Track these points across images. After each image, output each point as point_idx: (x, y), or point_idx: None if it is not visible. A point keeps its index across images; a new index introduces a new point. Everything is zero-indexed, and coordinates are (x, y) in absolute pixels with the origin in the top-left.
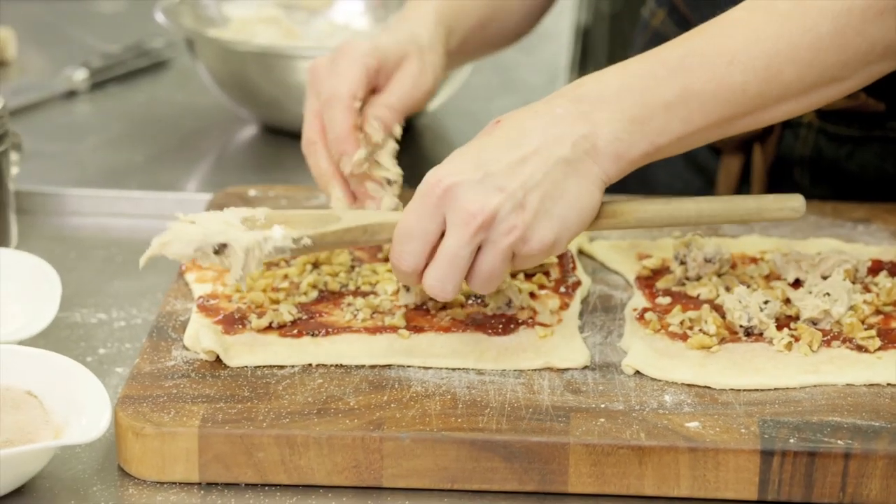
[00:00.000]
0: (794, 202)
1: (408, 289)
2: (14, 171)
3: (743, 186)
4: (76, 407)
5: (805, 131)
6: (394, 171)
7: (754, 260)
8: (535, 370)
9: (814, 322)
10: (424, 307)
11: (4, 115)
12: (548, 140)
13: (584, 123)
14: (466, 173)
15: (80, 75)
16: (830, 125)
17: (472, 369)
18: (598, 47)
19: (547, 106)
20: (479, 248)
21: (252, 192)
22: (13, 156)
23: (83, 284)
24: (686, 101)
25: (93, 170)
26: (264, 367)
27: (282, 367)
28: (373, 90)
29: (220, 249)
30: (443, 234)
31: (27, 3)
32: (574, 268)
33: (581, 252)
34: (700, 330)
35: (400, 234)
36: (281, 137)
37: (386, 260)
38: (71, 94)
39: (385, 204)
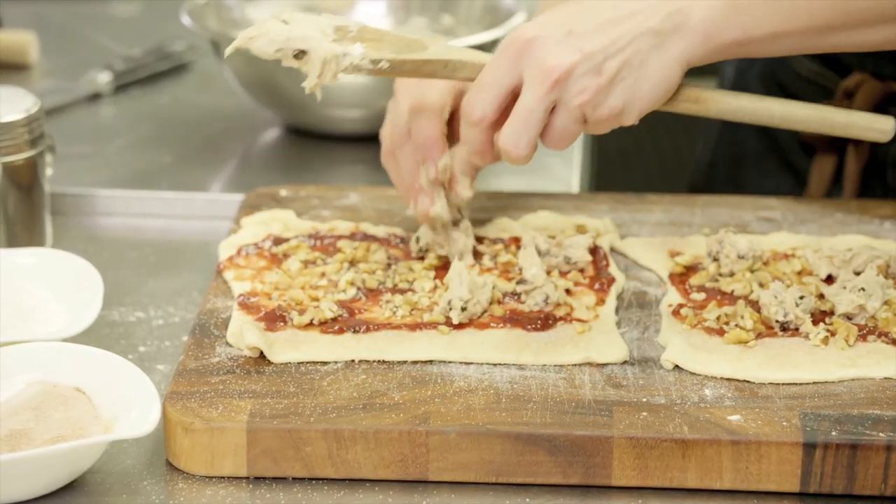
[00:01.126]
0: (883, 124)
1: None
2: (48, 172)
3: (835, 188)
4: (124, 403)
5: None
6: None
7: (785, 256)
8: (576, 365)
9: (849, 317)
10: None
11: (40, 116)
12: (641, 7)
13: None
14: (550, 29)
15: (104, 78)
16: None
17: (513, 364)
18: None
19: None
20: (553, 108)
21: (283, 192)
22: (47, 157)
23: (119, 284)
24: None
25: (122, 171)
26: (307, 362)
27: (325, 363)
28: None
29: (300, 55)
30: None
31: (46, 6)
32: (608, 265)
33: (613, 250)
34: (736, 325)
35: (476, 83)
36: (304, 138)
37: (421, 258)
38: (95, 97)
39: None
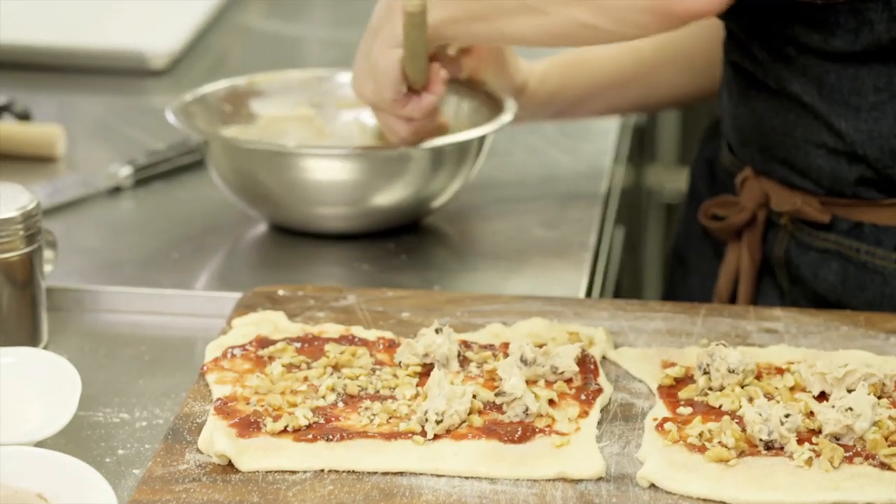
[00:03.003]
0: None
1: None
2: (48, 269)
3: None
4: None
5: (782, 233)
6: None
7: (780, 371)
8: (549, 480)
9: (836, 437)
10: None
11: (37, 213)
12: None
13: None
14: None
15: (124, 172)
16: (799, 231)
17: (486, 478)
18: (646, 144)
19: None
20: None
21: (281, 292)
22: (48, 254)
23: (109, 383)
24: None
25: (128, 267)
26: (276, 471)
27: (294, 472)
28: None
29: None
30: None
31: (80, 99)
32: (596, 375)
33: (605, 359)
34: (719, 442)
35: None
36: (315, 239)
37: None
38: (115, 191)
39: None
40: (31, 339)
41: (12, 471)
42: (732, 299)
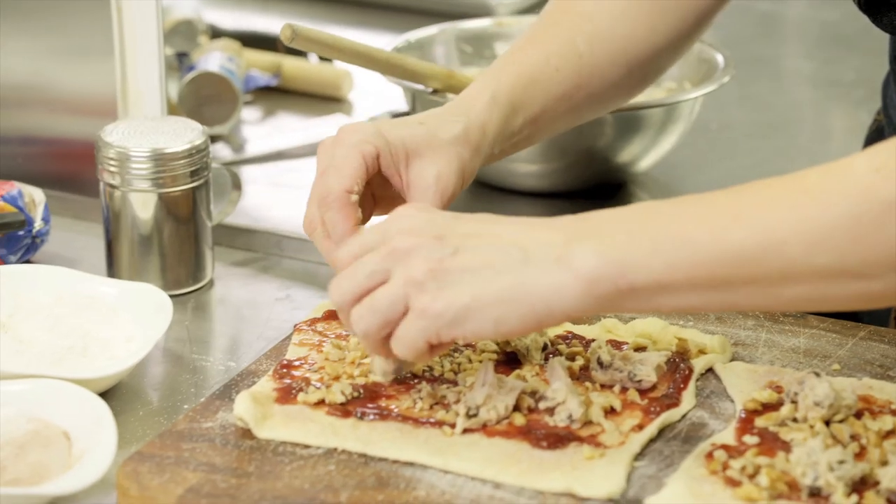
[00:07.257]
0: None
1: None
2: (229, 209)
3: None
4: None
5: None
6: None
7: (893, 412)
8: (555, 494)
9: (894, 493)
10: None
11: (205, 149)
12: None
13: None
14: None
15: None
16: None
17: (491, 482)
18: None
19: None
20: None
21: None
22: (233, 194)
23: (242, 330)
24: (675, 243)
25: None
26: (290, 443)
27: (307, 446)
28: (378, 177)
29: None
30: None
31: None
32: (684, 388)
33: (712, 371)
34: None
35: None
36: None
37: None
38: None
39: None
40: (193, 275)
41: (50, 405)
42: None
